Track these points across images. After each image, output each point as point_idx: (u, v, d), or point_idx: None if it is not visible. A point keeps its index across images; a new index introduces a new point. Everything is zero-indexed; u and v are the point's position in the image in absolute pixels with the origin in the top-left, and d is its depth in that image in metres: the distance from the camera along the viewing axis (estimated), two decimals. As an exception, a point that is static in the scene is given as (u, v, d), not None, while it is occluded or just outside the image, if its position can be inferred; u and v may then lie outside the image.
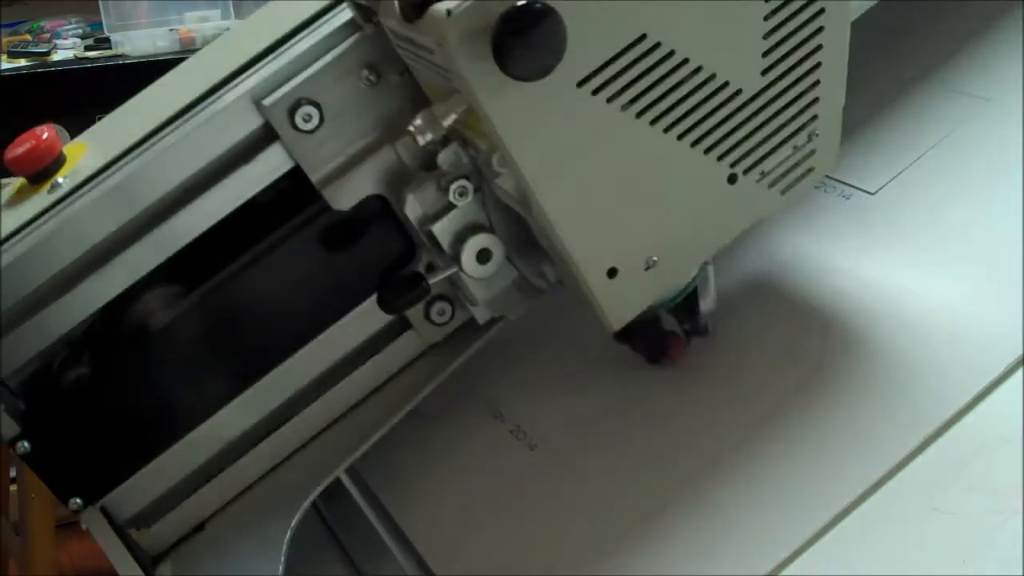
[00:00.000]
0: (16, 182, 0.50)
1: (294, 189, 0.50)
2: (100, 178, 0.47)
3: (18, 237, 0.47)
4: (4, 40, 1.76)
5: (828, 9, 0.43)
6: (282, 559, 0.49)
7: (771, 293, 0.55)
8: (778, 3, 0.42)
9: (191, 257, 0.50)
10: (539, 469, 0.53)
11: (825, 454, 0.46)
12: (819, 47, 0.44)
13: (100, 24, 1.64)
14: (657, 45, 0.41)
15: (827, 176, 0.59)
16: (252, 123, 0.48)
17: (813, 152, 0.47)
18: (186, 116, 0.49)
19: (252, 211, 0.50)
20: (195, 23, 1.58)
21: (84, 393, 0.51)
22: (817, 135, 0.47)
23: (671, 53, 0.41)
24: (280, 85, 0.47)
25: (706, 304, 0.51)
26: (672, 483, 0.49)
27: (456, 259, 0.48)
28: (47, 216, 0.47)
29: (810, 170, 0.47)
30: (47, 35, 1.79)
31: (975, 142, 0.56)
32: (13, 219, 0.47)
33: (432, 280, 0.49)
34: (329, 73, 0.47)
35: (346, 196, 0.49)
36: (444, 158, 0.47)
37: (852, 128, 0.61)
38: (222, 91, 0.49)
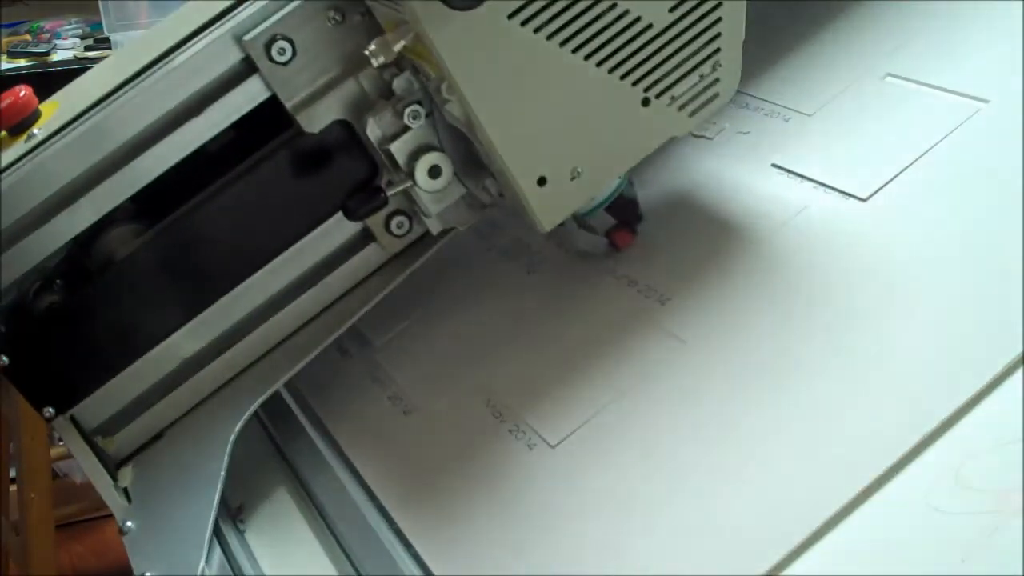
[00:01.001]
0: (-3, 135, 0.58)
1: (246, 137, 0.58)
2: (71, 127, 0.55)
3: (-2, 181, 0.55)
4: (4, 40, 1.76)
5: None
6: (226, 458, 0.57)
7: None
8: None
9: (157, 198, 0.58)
10: (538, 468, 0.53)
11: (825, 453, 0.46)
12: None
13: (100, 24, 1.64)
14: (577, -16, 0.49)
15: (819, 181, 0.59)
16: (233, 57, 0.55)
17: (717, 80, 0.55)
18: (161, 63, 0.56)
19: (211, 158, 0.58)
20: (195, 23, 1.57)
21: (56, 316, 0.58)
22: (720, 66, 0.54)
23: (590, -8, 0.49)
24: (258, 23, 0.55)
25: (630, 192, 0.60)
26: (672, 482, 0.49)
27: (411, 175, 0.56)
28: (23, 161, 0.54)
29: (715, 96, 0.56)
30: (47, 35, 1.80)
31: (974, 143, 0.56)
32: (-6, 166, 0.55)
33: (390, 192, 0.57)
34: (301, 13, 0.55)
35: (316, 121, 0.57)
36: (398, 84, 0.55)
37: (847, 129, 0.62)
38: (201, 35, 0.56)
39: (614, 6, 0.50)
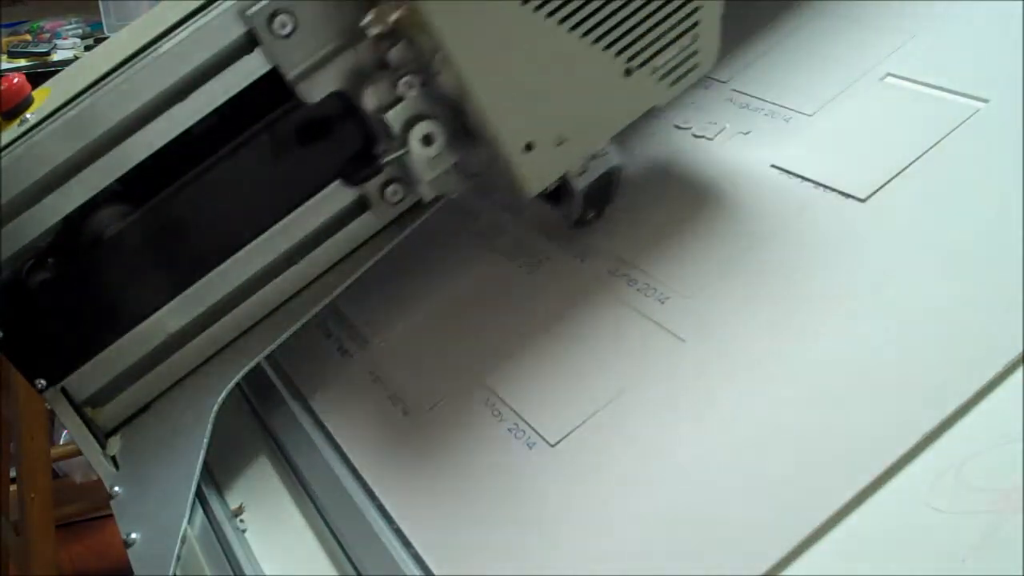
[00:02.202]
0: (-7, 122, 0.61)
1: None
2: (62, 111, 0.57)
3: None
4: (4, 40, 1.76)
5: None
6: (209, 426, 0.60)
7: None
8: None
9: (146, 179, 0.59)
10: (538, 468, 0.53)
11: (824, 453, 0.46)
12: (700, -37, 0.55)
13: (100, 24, 1.64)
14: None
15: (819, 182, 0.59)
16: (235, 32, 0.57)
17: (696, 52, 0.58)
18: (153, 47, 0.58)
19: (197, 139, 0.59)
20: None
21: (48, 292, 0.60)
22: (699, 37, 0.57)
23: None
24: None
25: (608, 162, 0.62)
26: (672, 482, 0.49)
27: (405, 143, 0.58)
28: (16, 144, 0.57)
29: (695, 66, 0.58)
30: (47, 35, 1.80)
31: (973, 143, 0.56)
32: (-12, 149, 0.57)
33: (385, 160, 0.60)
34: None
35: (315, 91, 0.58)
36: (394, 55, 0.57)
37: (847, 129, 0.62)
38: (196, 16, 0.57)
39: None
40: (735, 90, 0.69)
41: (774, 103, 0.67)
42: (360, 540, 0.55)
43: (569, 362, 0.58)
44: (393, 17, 0.52)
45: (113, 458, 0.63)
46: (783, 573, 0.43)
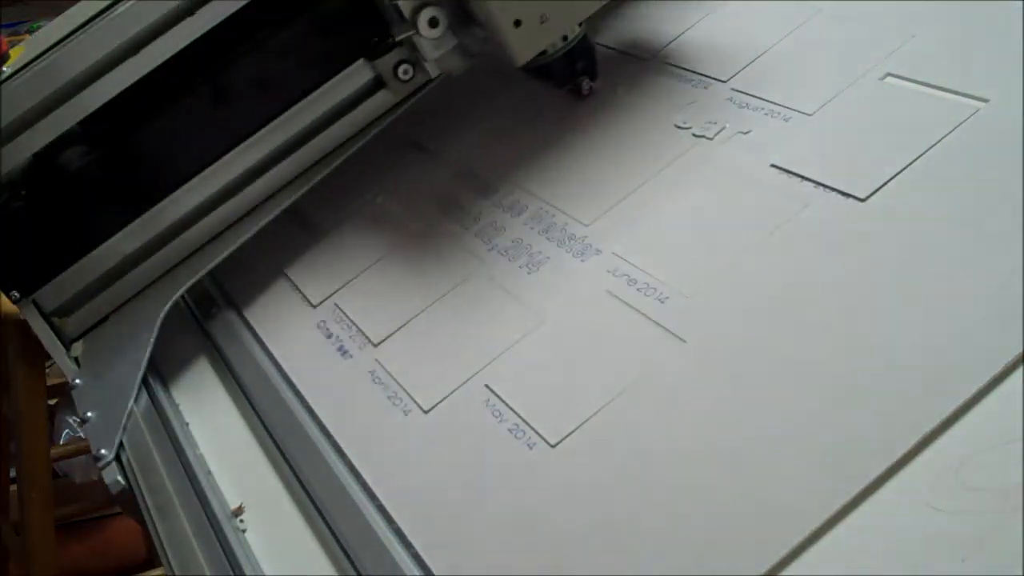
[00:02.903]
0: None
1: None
2: (32, 64, 0.68)
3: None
4: (4, 40, 1.76)
5: None
6: (156, 330, 0.72)
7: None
8: None
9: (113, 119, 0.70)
10: (538, 468, 0.53)
11: (824, 453, 0.46)
12: None
13: (100, 24, 1.63)
14: None
15: (819, 182, 0.59)
16: None
17: None
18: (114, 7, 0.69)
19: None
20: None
21: (21, 217, 0.71)
22: None
23: None
24: None
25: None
26: (672, 482, 0.49)
27: (415, 24, 0.68)
28: None
29: None
30: (47, 35, 1.79)
31: (973, 143, 0.56)
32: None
33: (398, 38, 0.70)
34: None
35: None
36: None
37: (847, 129, 0.62)
38: None
39: None
40: (735, 90, 0.69)
41: (774, 103, 0.67)
42: (360, 540, 0.55)
43: (569, 362, 0.58)
44: None
45: (76, 359, 0.75)
46: (783, 573, 0.43)
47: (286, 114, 0.74)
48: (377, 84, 0.75)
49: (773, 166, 0.62)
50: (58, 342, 0.74)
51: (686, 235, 0.61)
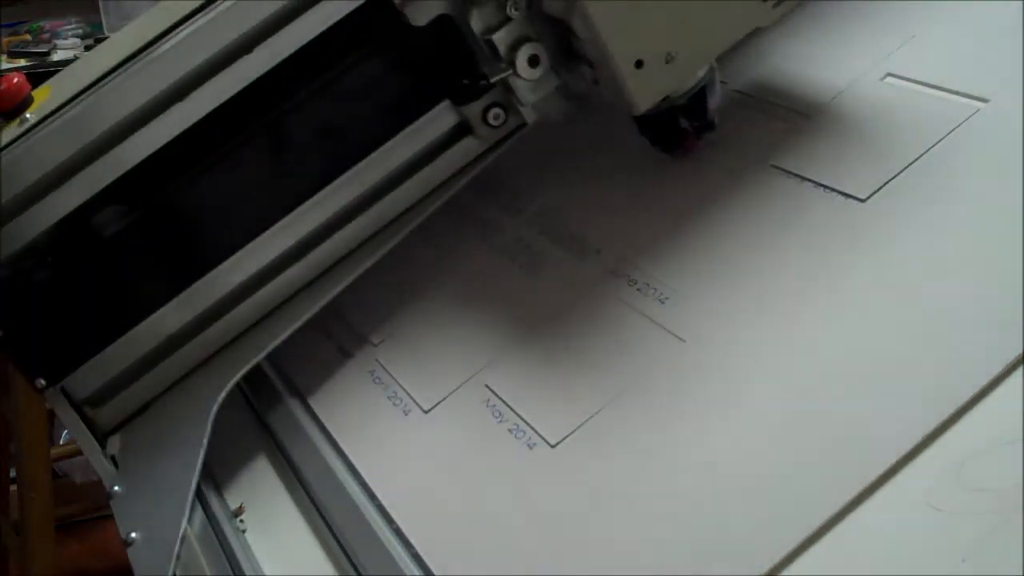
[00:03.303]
0: (-5, 121, 0.61)
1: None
2: (62, 111, 0.58)
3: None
4: (4, 40, 1.76)
5: None
6: (209, 425, 0.60)
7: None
8: None
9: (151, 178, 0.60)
10: (538, 468, 0.53)
11: (824, 453, 0.46)
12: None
13: (100, 24, 1.64)
14: None
15: (818, 182, 0.59)
16: None
17: None
18: (152, 47, 0.58)
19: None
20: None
21: (48, 291, 0.61)
22: None
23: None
24: None
25: (713, 101, 0.63)
26: (672, 482, 0.49)
27: (512, 63, 0.59)
28: (16, 144, 0.57)
29: None
30: (47, 35, 1.80)
31: (973, 143, 0.56)
32: (-10, 149, 0.58)
33: (493, 79, 0.60)
34: None
35: (422, 14, 0.59)
36: None
37: (847, 129, 0.62)
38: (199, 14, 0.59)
39: None
40: (735, 90, 0.69)
41: (774, 103, 0.67)
42: (360, 540, 0.54)
43: (569, 362, 0.58)
44: None
45: (112, 457, 0.63)
46: (783, 573, 0.43)
47: (356, 167, 0.64)
48: (461, 131, 0.65)
49: (773, 166, 0.62)
50: (91, 437, 0.63)
51: (686, 235, 0.61)
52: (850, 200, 0.57)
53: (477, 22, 0.59)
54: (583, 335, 0.59)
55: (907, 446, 0.44)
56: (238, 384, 0.68)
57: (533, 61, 0.60)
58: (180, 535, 0.56)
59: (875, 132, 0.60)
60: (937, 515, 0.42)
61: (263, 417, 0.66)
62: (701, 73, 0.61)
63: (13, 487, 1.40)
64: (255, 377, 0.69)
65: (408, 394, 0.62)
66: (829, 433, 0.47)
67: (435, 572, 0.52)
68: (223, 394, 0.61)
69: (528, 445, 0.55)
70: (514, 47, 0.59)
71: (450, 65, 0.62)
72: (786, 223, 0.58)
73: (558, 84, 0.62)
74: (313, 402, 0.65)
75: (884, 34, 0.66)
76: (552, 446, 0.54)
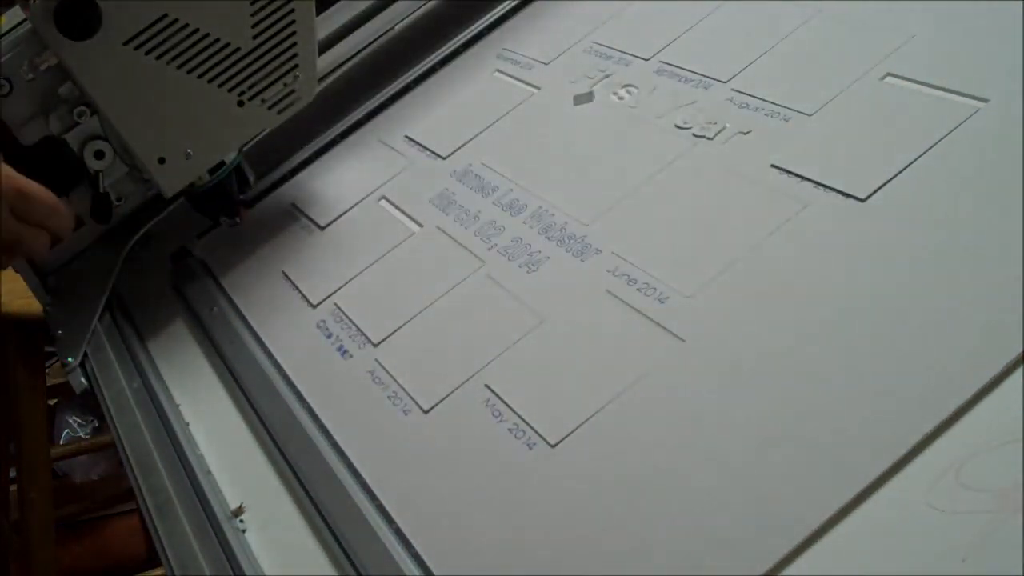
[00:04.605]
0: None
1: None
2: None
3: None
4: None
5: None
6: (119, 263, 0.83)
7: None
8: (260, -1, 0.71)
9: None
10: (538, 468, 0.53)
11: (824, 453, 0.46)
12: (292, 19, 0.72)
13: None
14: (175, 20, 0.69)
15: (818, 182, 0.59)
16: None
17: (297, 88, 0.75)
18: None
19: None
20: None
21: None
22: (299, 76, 0.75)
23: (185, 25, 0.69)
24: None
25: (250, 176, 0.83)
26: (671, 482, 0.49)
27: (82, 158, 0.75)
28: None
29: (298, 99, 0.76)
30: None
31: (973, 143, 0.56)
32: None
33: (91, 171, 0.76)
34: (13, 59, 0.70)
35: (28, 134, 0.73)
36: (63, 91, 0.72)
37: (847, 129, 0.62)
38: None
39: (207, 35, 0.70)
40: (735, 90, 0.69)
41: (774, 103, 0.67)
42: (360, 540, 0.55)
43: (569, 362, 0.58)
44: (44, 65, 0.70)
45: (48, 288, 0.84)
46: (783, 573, 0.43)
47: None
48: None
49: (773, 166, 0.62)
50: (34, 274, 0.82)
51: (686, 235, 0.61)
52: (850, 200, 0.57)
53: (54, 125, 0.72)
54: (583, 335, 0.59)
55: (907, 446, 0.44)
56: (237, 383, 0.69)
57: (99, 155, 0.74)
58: (91, 328, 0.79)
59: (875, 132, 0.61)
60: (937, 515, 0.42)
61: (262, 417, 0.66)
62: (229, 158, 0.78)
63: (13, 487, 1.40)
64: (254, 377, 0.69)
65: (408, 394, 0.62)
66: (829, 433, 0.47)
67: (435, 572, 0.52)
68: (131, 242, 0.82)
69: (528, 445, 0.55)
70: (83, 144, 0.74)
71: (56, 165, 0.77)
72: (786, 223, 0.58)
73: (128, 171, 0.77)
74: (313, 402, 0.65)
75: (884, 34, 0.66)
76: (552, 446, 0.54)
